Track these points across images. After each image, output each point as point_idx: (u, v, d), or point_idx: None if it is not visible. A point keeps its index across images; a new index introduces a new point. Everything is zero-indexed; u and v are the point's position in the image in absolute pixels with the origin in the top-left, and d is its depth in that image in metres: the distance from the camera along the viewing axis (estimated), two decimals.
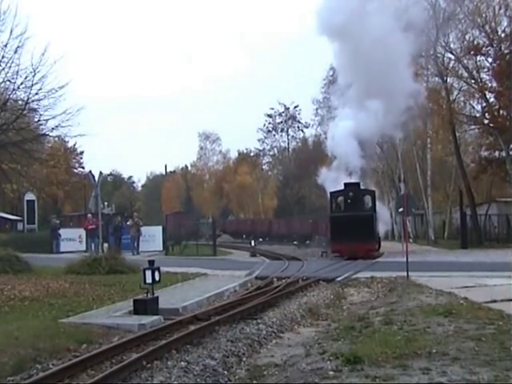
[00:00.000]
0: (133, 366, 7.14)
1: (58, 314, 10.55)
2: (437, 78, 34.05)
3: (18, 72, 19.50)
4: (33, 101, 20.15)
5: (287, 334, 9.92)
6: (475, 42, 31.04)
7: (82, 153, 59.66)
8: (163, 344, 8.23)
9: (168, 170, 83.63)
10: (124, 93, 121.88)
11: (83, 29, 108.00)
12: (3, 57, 19.40)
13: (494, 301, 10.94)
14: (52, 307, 11.46)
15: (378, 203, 28.72)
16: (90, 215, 28.21)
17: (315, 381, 6.24)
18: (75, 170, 60.41)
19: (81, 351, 8.11)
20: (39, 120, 21.89)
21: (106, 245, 25.80)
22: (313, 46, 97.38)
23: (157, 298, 10.99)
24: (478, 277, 15.15)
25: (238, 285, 15.73)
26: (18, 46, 19.33)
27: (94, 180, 22.02)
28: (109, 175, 75.56)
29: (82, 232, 28.91)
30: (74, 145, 55.26)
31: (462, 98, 34.25)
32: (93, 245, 26.27)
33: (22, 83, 19.67)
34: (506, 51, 30.79)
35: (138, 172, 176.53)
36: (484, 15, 30.62)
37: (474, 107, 33.82)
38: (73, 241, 29.76)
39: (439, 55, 33.05)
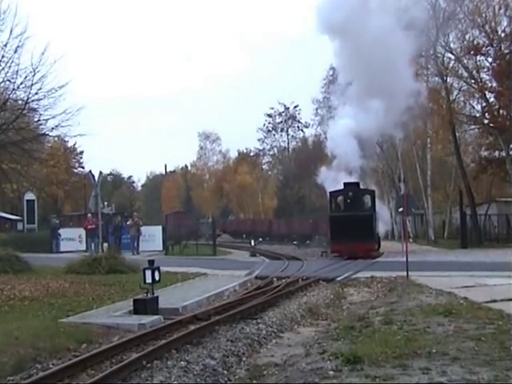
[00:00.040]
0: (133, 365, 7.13)
1: (58, 314, 10.55)
2: (437, 78, 34.07)
3: (17, 72, 19.51)
4: (33, 100, 20.15)
5: (287, 333, 9.91)
6: (475, 42, 31.05)
7: (81, 152, 59.79)
8: (163, 344, 8.23)
9: (168, 170, 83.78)
10: (124, 93, 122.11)
11: (83, 29, 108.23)
12: (3, 56, 19.41)
13: (494, 300, 10.94)
14: (52, 307, 11.45)
15: (377, 203, 28.73)
16: (89, 215, 28.22)
17: (315, 381, 6.23)
18: (75, 170, 60.43)
19: (81, 351, 8.11)
20: (39, 120, 21.90)
21: (105, 244, 25.80)
22: (313, 46, 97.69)
23: (157, 297, 10.99)
24: (477, 276, 15.15)
25: (238, 284, 15.73)
26: (18, 46, 19.34)
27: (94, 180, 22.03)
28: (109, 175, 75.58)
29: (82, 232, 28.91)
30: (74, 144, 55.42)
31: (462, 98, 34.28)
32: (93, 244, 26.28)
33: (21, 83, 19.67)
34: (506, 51, 30.80)
35: (138, 172, 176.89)
36: (484, 15, 30.63)
37: (473, 107, 33.90)
38: (73, 240, 29.77)
39: (439, 55, 33.08)
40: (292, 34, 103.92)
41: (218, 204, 71.82)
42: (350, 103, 31.56)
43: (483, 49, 30.93)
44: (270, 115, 69.90)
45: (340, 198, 27.00)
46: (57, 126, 20.46)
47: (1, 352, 7.39)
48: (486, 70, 32.03)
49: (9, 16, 19.30)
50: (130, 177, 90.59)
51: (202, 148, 70.60)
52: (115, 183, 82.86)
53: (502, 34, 30.93)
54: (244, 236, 48.34)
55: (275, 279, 16.34)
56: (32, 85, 19.50)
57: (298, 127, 70.53)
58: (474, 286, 13.42)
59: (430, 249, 30.86)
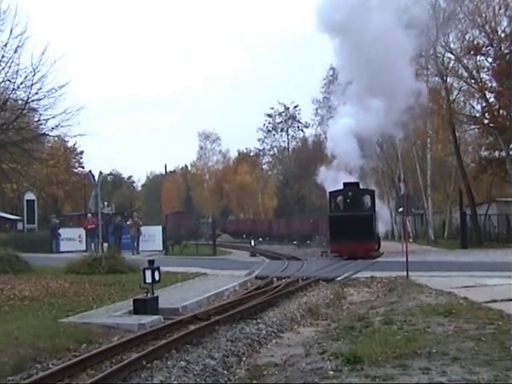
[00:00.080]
0: (133, 365, 7.13)
1: (58, 314, 10.55)
2: (437, 78, 34.05)
3: (17, 71, 19.47)
4: (33, 100, 20.12)
5: (287, 333, 9.91)
6: (475, 42, 31.03)
7: (81, 152, 59.72)
8: (163, 344, 8.23)
9: (168, 170, 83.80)
10: (124, 93, 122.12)
11: (83, 29, 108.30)
12: (3, 56, 19.36)
13: (494, 301, 10.94)
14: (52, 307, 11.46)
15: (377, 203, 28.70)
16: (89, 215, 28.23)
17: (315, 380, 6.23)
18: (75, 170, 60.37)
19: (80, 351, 8.11)
20: (39, 120, 21.87)
21: (105, 244, 25.79)
22: (313, 46, 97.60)
23: (157, 297, 10.99)
24: (477, 277, 15.15)
25: (238, 284, 15.73)
26: (18, 46, 19.30)
27: (94, 180, 22.02)
28: (109, 175, 75.58)
29: (82, 232, 28.92)
30: (74, 144, 55.36)
31: (462, 98, 34.27)
32: (93, 244, 26.28)
33: (21, 83, 19.64)
34: (506, 51, 30.79)
35: (138, 172, 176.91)
36: (484, 15, 30.61)
37: (473, 107, 33.88)
38: (73, 240, 29.76)
39: (439, 55, 33.06)
40: (292, 33, 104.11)
41: (218, 204, 71.81)
42: (350, 102, 31.49)
43: (483, 49, 30.91)
44: (269, 115, 69.95)
45: (340, 198, 26.97)
46: (57, 126, 20.46)
47: (1, 352, 7.39)
48: (486, 69, 32.04)
49: (9, 16, 19.28)
50: (130, 177, 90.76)
51: (202, 148, 70.71)
52: (115, 183, 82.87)
53: (502, 34, 30.92)
54: (244, 236, 48.34)
55: (275, 279, 16.34)
56: (32, 85, 19.49)
57: (298, 127, 70.61)
58: (473, 286, 13.42)
59: (430, 249, 30.85)
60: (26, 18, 24.81)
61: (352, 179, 28.36)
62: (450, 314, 9.45)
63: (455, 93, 34.00)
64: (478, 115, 33.30)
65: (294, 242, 38.90)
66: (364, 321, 9.72)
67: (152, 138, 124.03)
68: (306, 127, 69.17)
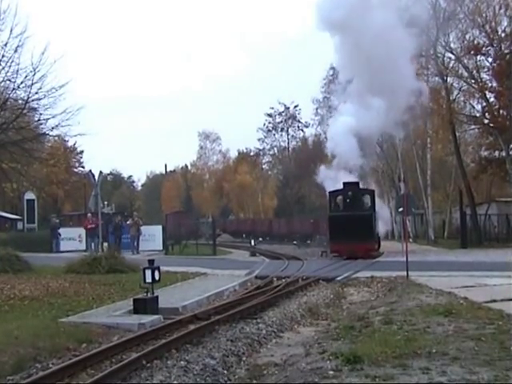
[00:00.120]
0: (132, 365, 7.13)
1: (58, 314, 10.56)
2: (437, 78, 34.03)
3: (17, 71, 19.44)
4: (33, 100, 20.11)
5: (287, 333, 9.91)
6: (475, 42, 31.03)
7: (81, 152, 59.70)
8: (163, 343, 8.23)
9: (168, 170, 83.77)
10: (124, 93, 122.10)
11: (83, 29, 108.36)
12: (3, 56, 19.34)
13: (494, 300, 10.94)
14: (52, 306, 11.46)
15: (377, 203, 28.67)
16: (89, 214, 28.24)
17: (315, 380, 6.23)
18: (75, 170, 60.37)
19: (80, 350, 8.11)
20: (39, 119, 21.86)
21: (105, 244, 25.80)
22: (313, 46, 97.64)
23: (156, 297, 10.99)
24: (477, 276, 15.14)
25: (238, 284, 15.74)
26: (18, 45, 19.27)
27: (94, 179, 22.03)
28: (109, 174, 75.61)
29: (82, 231, 28.93)
30: (74, 144, 55.25)
31: (462, 98, 34.26)
32: (93, 244, 26.29)
33: (21, 82, 19.61)
34: (506, 51, 30.78)
35: (138, 171, 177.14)
36: (484, 15, 30.60)
37: (474, 107, 33.87)
38: (73, 240, 29.76)
39: (439, 55, 33.03)
40: (292, 33, 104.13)
41: (218, 204, 71.81)
42: (350, 101, 31.43)
43: (483, 49, 30.91)
44: (270, 115, 69.99)
45: (339, 198, 26.94)
46: (57, 126, 20.44)
47: (1, 351, 7.39)
48: (486, 69, 32.03)
49: (9, 16, 19.25)
50: (129, 176, 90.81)
51: (202, 148, 70.67)
52: (115, 183, 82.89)
53: (502, 34, 30.91)
54: (244, 236, 48.34)
55: (275, 279, 16.34)
56: (32, 84, 19.47)
57: (298, 127, 70.66)
58: (473, 286, 13.41)
59: (430, 249, 30.84)
60: (26, 18, 24.75)
61: (352, 179, 28.30)
62: (450, 314, 9.45)
63: (455, 93, 34.00)
64: (478, 115, 33.31)
65: (294, 242, 38.90)
66: (364, 321, 9.71)
67: (152, 138, 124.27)
68: (306, 127, 69.33)
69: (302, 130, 70.50)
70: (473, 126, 34.81)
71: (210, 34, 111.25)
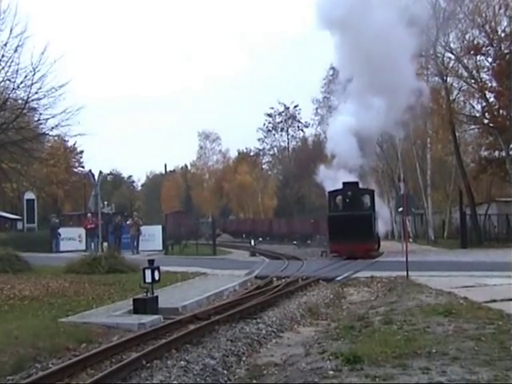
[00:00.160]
0: (132, 365, 7.13)
1: (58, 314, 10.55)
2: (437, 78, 34.02)
3: (17, 71, 19.45)
4: (32, 100, 20.11)
5: (287, 333, 9.91)
6: (475, 42, 31.01)
7: (81, 152, 59.66)
8: (163, 343, 8.23)
9: (168, 170, 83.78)
10: (124, 93, 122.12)
11: (83, 28, 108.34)
12: (3, 56, 19.35)
13: (494, 300, 10.94)
14: (52, 306, 11.46)
15: (377, 203, 28.65)
16: (89, 214, 28.25)
17: (315, 380, 6.23)
18: (75, 170, 60.37)
19: (80, 350, 8.11)
20: (39, 119, 21.86)
21: (105, 244, 25.81)
22: (313, 46, 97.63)
23: (156, 297, 10.99)
24: (477, 276, 15.14)
25: (238, 284, 15.74)
26: (18, 45, 19.28)
27: (94, 179, 22.02)
28: (108, 174, 75.65)
29: (82, 231, 28.94)
30: (74, 144, 55.13)
31: (462, 98, 34.25)
32: (92, 244, 26.30)
33: (21, 82, 19.62)
34: (506, 51, 30.76)
35: (138, 171, 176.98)
36: (484, 15, 30.59)
37: (473, 107, 33.85)
38: (72, 240, 29.76)
39: (439, 55, 33.02)
40: (292, 33, 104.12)
41: (218, 204, 71.81)
42: (350, 100, 31.43)
43: (483, 49, 30.89)
44: (269, 115, 69.98)
45: (339, 198, 26.92)
46: (57, 126, 20.45)
47: (1, 351, 7.39)
48: (486, 69, 32.01)
49: (9, 15, 19.26)
50: (129, 176, 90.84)
51: (201, 148, 70.68)
52: (115, 183, 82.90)
53: (502, 34, 30.89)
54: (244, 236, 48.33)
55: (275, 279, 16.34)
56: (32, 84, 19.48)
57: (298, 127, 70.64)
58: (473, 286, 13.41)
59: (430, 249, 30.84)
60: (26, 18, 24.83)
61: (352, 178, 28.25)
62: (449, 314, 9.44)
63: (455, 93, 33.99)
64: (477, 115, 33.29)
65: (294, 242, 38.89)
66: (364, 320, 9.71)
67: (152, 138, 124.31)
68: (306, 127, 69.32)
69: (302, 130, 70.61)
70: (473, 126, 34.80)
71: (209, 33, 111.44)
